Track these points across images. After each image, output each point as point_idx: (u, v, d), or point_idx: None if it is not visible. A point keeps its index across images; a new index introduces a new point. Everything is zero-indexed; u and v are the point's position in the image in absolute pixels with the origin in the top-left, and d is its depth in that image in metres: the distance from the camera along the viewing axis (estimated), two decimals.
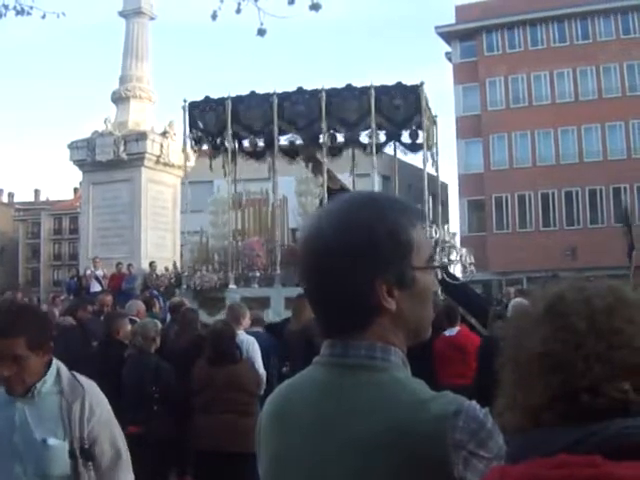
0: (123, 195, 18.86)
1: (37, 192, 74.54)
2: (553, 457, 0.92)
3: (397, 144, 13.01)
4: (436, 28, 38.07)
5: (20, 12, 7.38)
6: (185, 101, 12.65)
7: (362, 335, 1.20)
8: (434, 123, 13.15)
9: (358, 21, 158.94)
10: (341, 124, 12.19)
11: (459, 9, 37.15)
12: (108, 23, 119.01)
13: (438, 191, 13.27)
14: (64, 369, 2.45)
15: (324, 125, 11.81)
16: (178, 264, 14.27)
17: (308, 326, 6.09)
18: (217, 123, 12.53)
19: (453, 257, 12.04)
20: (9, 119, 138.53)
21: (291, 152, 13.44)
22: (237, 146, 13.29)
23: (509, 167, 35.23)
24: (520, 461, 0.96)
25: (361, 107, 11.78)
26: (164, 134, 19.18)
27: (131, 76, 19.85)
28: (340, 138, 12.87)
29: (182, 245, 15.43)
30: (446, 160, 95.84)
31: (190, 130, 12.81)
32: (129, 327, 6.65)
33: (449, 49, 38.50)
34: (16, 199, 73.25)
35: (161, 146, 18.93)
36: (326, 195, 11.59)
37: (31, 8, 7.39)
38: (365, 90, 11.75)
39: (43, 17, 7.49)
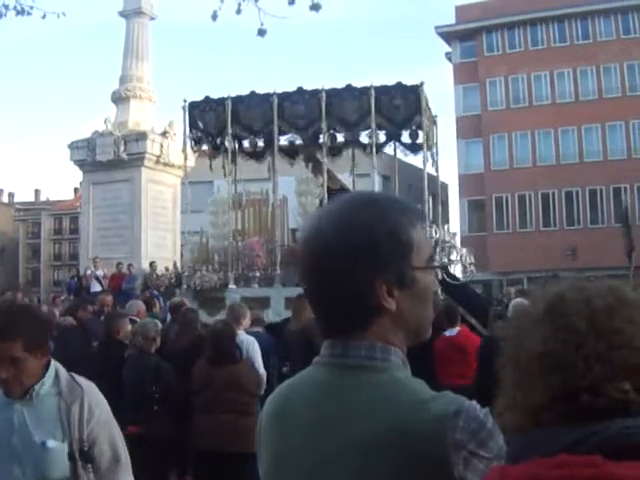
0: (123, 195, 18.86)
1: (37, 192, 74.64)
2: (553, 457, 0.92)
3: (397, 144, 12.99)
4: (436, 28, 38.08)
5: (20, 12, 7.38)
6: (185, 101, 12.63)
7: (362, 335, 1.20)
8: (434, 123, 13.14)
9: (358, 21, 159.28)
10: (341, 124, 12.18)
11: (459, 9, 37.15)
12: (108, 23, 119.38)
13: (438, 191, 13.25)
14: (62, 370, 2.44)
15: (324, 125, 11.80)
16: (178, 264, 14.25)
17: (308, 326, 6.09)
18: (217, 123, 12.52)
19: (453, 257, 12.03)
20: (9, 119, 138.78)
21: (291, 152, 13.44)
22: (237, 146, 13.27)
23: (509, 167, 35.22)
24: (520, 461, 0.96)
25: (361, 107, 11.77)
26: (164, 134, 19.17)
27: (131, 76, 19.84)
28: (340, 138, 12.86)
29: (182, 245, 15.42)
30: (446, 160, 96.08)
31: (190, 130, 12.79)
32: (129, 327, 6.65)
33: (449, 49, 38.49)
34: (16, 199, 73.35)
35: (161, 146, 18.93)
36: (326, 195, 11.58)
37: (31, 8, 7.40)
38: (365, 90, 11.74)
39: (43, 17, 7.50)
